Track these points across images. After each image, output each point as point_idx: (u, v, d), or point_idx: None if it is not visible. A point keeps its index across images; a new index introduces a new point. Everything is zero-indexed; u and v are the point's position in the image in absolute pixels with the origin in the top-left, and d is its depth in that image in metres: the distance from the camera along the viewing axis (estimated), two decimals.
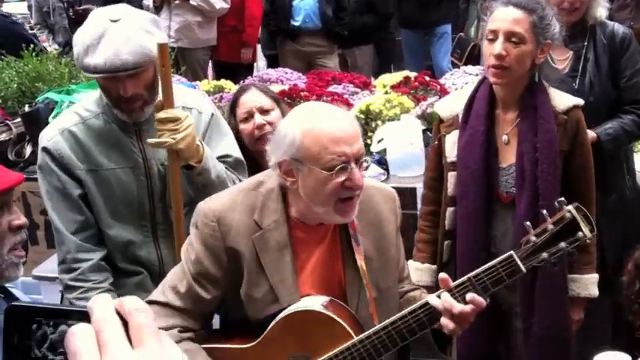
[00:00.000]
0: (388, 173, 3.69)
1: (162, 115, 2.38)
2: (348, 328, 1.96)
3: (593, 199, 2.61)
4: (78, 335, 0.68)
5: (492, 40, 2.52)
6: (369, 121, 3.86)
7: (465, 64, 5.43)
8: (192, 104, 2.60)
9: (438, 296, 1.94)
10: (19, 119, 4.19)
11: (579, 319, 2.70)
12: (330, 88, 4.38)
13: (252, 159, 2.91)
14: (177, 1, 6.34)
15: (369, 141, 3.75)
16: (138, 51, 2.31)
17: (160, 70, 2.37)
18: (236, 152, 2.68)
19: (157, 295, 2.06)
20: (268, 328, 1.99)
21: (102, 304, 0.70)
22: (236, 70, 6.36)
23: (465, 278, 1.96)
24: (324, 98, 4.01)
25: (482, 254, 2.52)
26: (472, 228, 2.61)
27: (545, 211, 2.00)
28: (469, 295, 1.92)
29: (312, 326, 1.97)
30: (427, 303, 1.95)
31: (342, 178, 1.91)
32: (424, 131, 3.71)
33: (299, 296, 2.02)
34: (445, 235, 2.70)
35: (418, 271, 2.71)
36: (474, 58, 5.71)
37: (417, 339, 1.98)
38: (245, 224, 2.02)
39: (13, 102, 4.47)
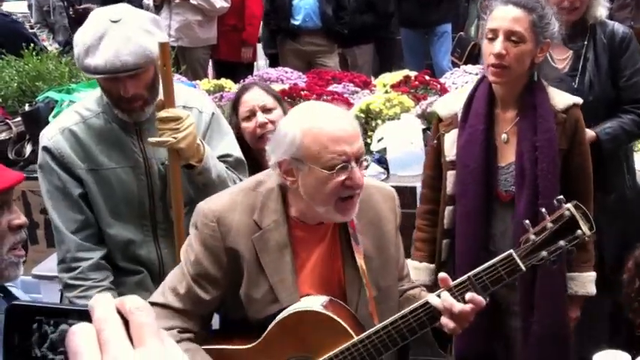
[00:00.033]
0: (388, 172, 3.69)
1: (163, 114, 2.38)
2: (348, 328, 1.96)
3: (592, 197, 2.61)
4: (79, 334, 0.68)
5: (492, 39, 2.52)
6: (369, 120, 3.86)
7: (465, 63, 5.41)
8: (193, 103, 2.60)
9: (438, 295, 1.95)
10: (19, 118, 4.19)
11: (576, 317, 2.70)
12: (330, 88, 4.37)
13: (253, 158, 2.91)
14: (177, 0, 6.33)
15: (369, 140, 3.75)
16: (138, 52, 2.31)
17: (161, 70, 2.38)
18: (236, 152, 2.68)
19: (156, 296, 2.06)
20: (268, 328, 1.99)
21: (103, 303, 0.70)
22: (236, 69, 6.35)
23: (464, 277, 1.96)
24: (324, 97, 4.01)
25: (482, 253, 2.52)
26: (471, 227, 2.61)
27: (544, 210, 2.00)
28: (469, 295, 1.92)
29: (312, 326, 1.97)
30: (427, 302, 1.95)
31: (342, 177, 1.91)
32: (424, 130, 3.71)
33: (299, 296, 2.02)
34: (444, 234, 2.70)
35: (416, 270, 2.71)
36: (474, 58, 5.69)
37: (417, 338, 1.99)
38: (245, 224, 2.02)
39: (13, 101, 4.46)
